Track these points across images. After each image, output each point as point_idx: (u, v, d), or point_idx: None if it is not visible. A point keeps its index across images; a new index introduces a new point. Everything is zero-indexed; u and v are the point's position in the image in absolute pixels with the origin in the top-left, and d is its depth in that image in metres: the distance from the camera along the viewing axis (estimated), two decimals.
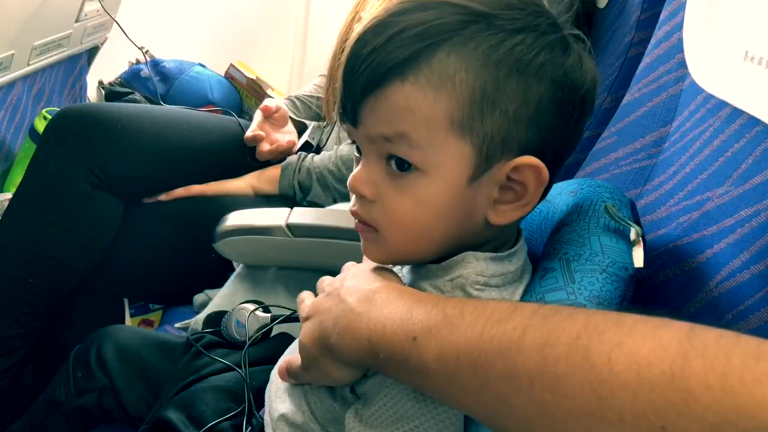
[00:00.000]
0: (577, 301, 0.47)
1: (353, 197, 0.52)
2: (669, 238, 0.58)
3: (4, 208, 1.04)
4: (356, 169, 0.51)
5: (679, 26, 0.63)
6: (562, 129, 0.48)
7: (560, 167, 0.52)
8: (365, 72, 0.47)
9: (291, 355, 0.57)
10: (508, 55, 0.45)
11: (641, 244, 0.51)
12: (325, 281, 0.56)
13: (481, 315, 0.39)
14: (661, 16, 0.69)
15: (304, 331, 0.52)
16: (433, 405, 0.46)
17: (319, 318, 0.50)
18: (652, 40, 0.70)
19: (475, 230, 0.50)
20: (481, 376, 0.37)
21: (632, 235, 0.51)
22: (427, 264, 0.52)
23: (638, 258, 0.50)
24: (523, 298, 0.51)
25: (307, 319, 0.52)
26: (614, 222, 0.52)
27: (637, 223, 0.53)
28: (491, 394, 0.36)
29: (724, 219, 0.52)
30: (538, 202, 0.52)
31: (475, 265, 0.50)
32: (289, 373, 0.55)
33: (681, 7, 0.63)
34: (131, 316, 1.12)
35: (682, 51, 0.61)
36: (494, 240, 0.52)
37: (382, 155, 0.49)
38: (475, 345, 0.38)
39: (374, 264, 0.54)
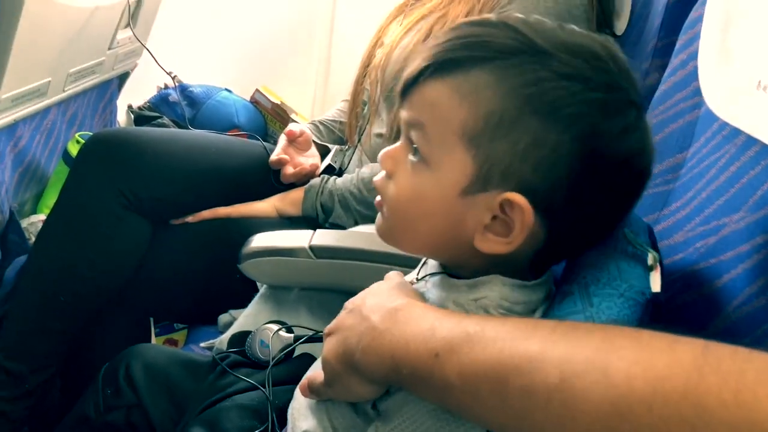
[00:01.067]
0: None
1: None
2: (686, 263, 0.58)
3: (39, 229, 1.07)
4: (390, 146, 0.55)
5: (695, 54, 0.64)
6: (581, 190, 0.48)
7: (583, 232, 0.51)
8: (418, 61, 0.51)
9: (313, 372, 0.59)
10: (541, 95, 0.46)
11: (659, 269, 0.51)
12: (348, 302, 0.57)
13: (500, 332, 0.40)
14: (677, 44, 0.70)
15: (326, 348, 0.53)
16: (455, 424, 0.46)
17: (342, 335, 0.51)
18: (669, 68, 0.71)
19: (463, 247, 0.51)
20: (501, 392, 0.38)
21: (649, 260, 0.52)
22: (453, 278, 0.54)
23: (655, 283, 0.51)
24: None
25: (329, 335, 0.54)
26: (632, 247, 0.53)
27: (655, 248, 0.54)
28: (511, 410, 0.37)
29: (740, 245, 0.53)
30: (566, 255, 0.53)
31: (500, 290, 0.51)
32: (311, 389, 0.56)
33: (697, 36, 0.64)
34: (156, 335, 1.14)
35: (697, 79, 0.62)
36: (500, 266, 0.51)
37: (408, 138, 0.52)
38: (495, 361, 0.39)
39: (395, 281, 0.55)
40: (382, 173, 0.55)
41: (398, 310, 0.48)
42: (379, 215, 0.56)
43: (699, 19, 0.65)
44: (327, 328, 0.55)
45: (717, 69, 0.60)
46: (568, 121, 0.46)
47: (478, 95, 0.48)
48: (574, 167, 0.47)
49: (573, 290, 0.51)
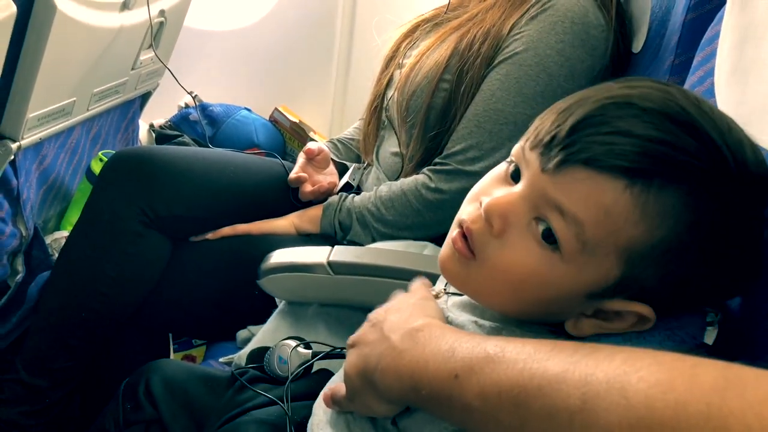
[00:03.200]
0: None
1: (476, 212, 0.49)
2: None
3: (61, 245, 1.09)
4: (502, 195, 0.48)
5: (713, 71, 0.65)
6: (697, 302, 0.48)
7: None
8: (605, 144, 0.43)
9: (334, 384, 0.59)
10: (719, 237, 0.43)
11: (716, 328, 0.49)
12: (372, 314, 0.56)
13: (521, 353, 0.40)
14: (694, 62, 0.70)
15: (348, 361, 0.53)
16: None
17: (362, 351, 0.52)
18: (686, 85, 0.71)
19: (549, 318, 0.50)
20: (522, 413, 0.38)
21: (709, 318, 0.50)
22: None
23: (710, 338, 0.49)
24: (575, 338, 0.51)
25: (352, 346, 0.54)
26: None
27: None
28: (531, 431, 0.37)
29: None
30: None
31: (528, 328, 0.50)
32: (333, 400, 0.56)
33: (714, 53, 0.65)
34: (174, 351, 1.15)
35: (714, 95, 0.62)
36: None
37: (539, 214, 0.46)
38: (515, 382, 0.38)
39: (419, 295, 0.55)
40: (478, 212, 0.48)
41: (418, 331, 0.48)
42: (456, 260, 0.49)
43: (716, 36, 0.65)
44: (350, 339, 0.55)
45: (733, 86, 0.60)
46: (733, 264, 0.45)
47: (661, 220, 0.43)
48: (708, 293, 0.47)
49: None
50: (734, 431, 0.29)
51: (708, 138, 0.43)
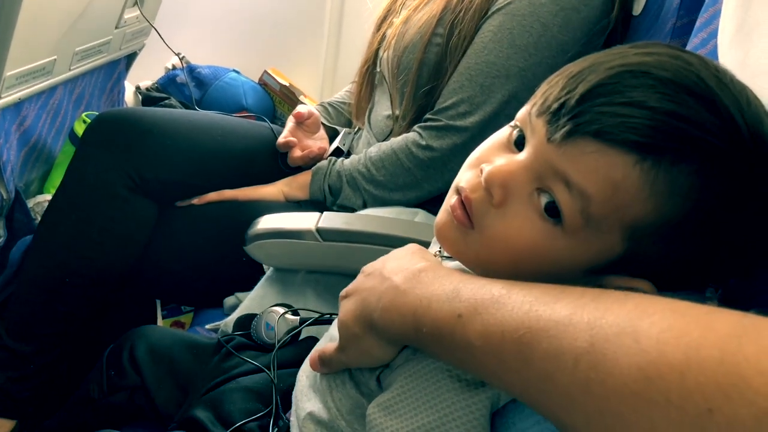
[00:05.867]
0: None
1: (476, 179, 0.47)
2: None
3: (44, 209, 1.07)
4: (504, 163, 0.46)
5: (716, 33, 0.62)
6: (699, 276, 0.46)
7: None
8: (617, 116, 0.41)
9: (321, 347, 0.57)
10: (727, 216, 0.42)
11: (716, 303, 0.47)
12: (366, 266, 0.55)
13: (528, 295, 0.39)
14: (697, 24, 0.68)
15: (343, 310, 0.52)
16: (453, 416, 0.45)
17: (360, 296, 0.50)
18: (688, 47, 0.69)
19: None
20: (525, 353, 0.37)
21: (708, 293, 0.48)
22: None
23: None
24: None
25: (345, 297, 0.52)
26: None
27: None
28: (534, 372, 0.36)
29: None
30: None
31: None
32: (322, 361, 0.55)
33: (717, 15, 0.62)
34: (163, 317, 1.14)
35: (717, 58, 0.60)
36: None
37: (543, 185, 0.44)
38: (520, 323, 0.38)
39: (414, 248, 0.53)
40: (478, 180, 0.46)
41: (421, 271, 0.47)
42: (454, 228, 0.48)
43: None
44: (344, 291, 0.53)
45: (736, 48, 0.58)
46: (742, 244, 0.43)
47: (670, 197, 0.41)
48: (714, 272, 0.45)
49: None
50: (747, 376, 0.28)
51: (726, 113, 0.41)
